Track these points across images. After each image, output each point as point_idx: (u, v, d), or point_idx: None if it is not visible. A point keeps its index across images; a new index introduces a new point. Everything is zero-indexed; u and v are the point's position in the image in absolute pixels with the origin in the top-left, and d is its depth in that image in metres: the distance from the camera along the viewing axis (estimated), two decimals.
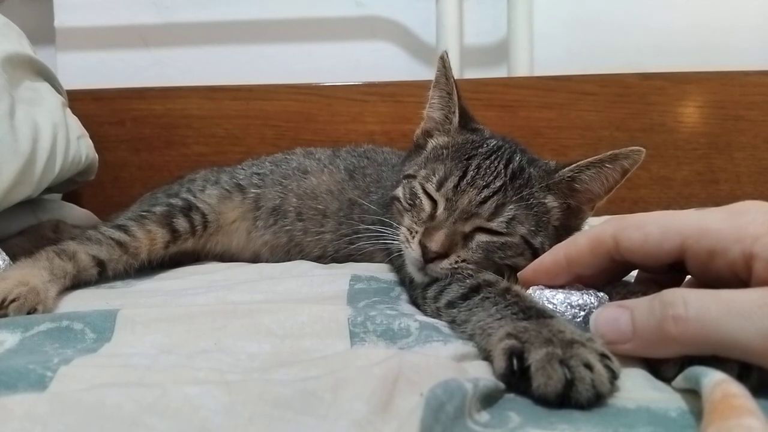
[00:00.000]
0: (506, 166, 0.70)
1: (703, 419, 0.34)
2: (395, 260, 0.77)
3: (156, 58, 1.69)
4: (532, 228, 0.68)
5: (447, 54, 0.77)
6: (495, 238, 0.67)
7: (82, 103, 1.51)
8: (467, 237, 0.67)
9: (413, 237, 0.67)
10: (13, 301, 0.61)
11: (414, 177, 0.73)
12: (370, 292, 0.72)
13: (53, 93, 1.02)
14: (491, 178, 0.68)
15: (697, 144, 1.54)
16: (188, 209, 0.93)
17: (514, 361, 0.43)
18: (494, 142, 0.74)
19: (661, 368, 0.46)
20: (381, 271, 0.82)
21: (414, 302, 0.68)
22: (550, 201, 0.70)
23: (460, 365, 0.47)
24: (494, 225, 0.66)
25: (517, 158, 0.72)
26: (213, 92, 1.53)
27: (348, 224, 0.94)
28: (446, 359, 0.47)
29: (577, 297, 0.54)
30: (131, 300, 0.70)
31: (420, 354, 0.48)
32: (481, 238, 0.67)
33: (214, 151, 1.52)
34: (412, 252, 0.67)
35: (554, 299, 0.54)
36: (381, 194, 0.93)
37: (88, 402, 0.35)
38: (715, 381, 0.36)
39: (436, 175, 0.69)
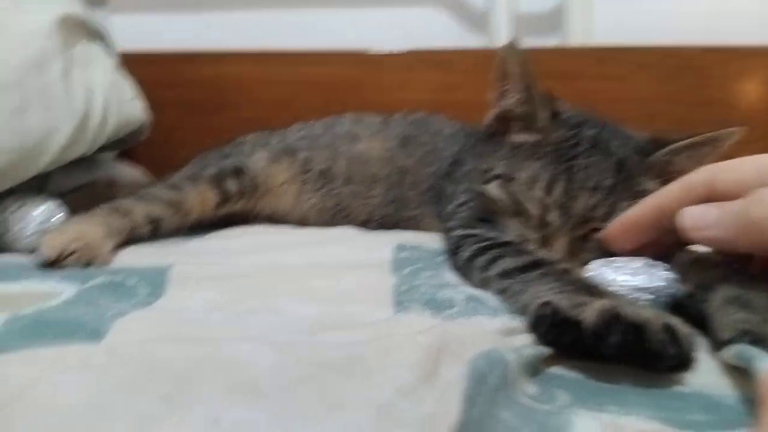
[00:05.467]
0: (609, 160, 0.67)
1: (755, 411, 0.33)
2: (446, 223, 0.77)
3: (208, 21, 1.69)
4: None
5: (516, 40, 0.71)
6: None
7: (135, 65, 1.53)
8: (585, 239, 0.66)
9: (528, 245, 0.65)
10: (71, 254, 0.63)
11: (511, 179, 0.68)
12: (414, 260, 0.72)
13: (106, 54, 1.04)
14: (600, 176, 0.65)
15: (757, 122, 1.46)
16: (238, 172, 0.94)
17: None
18: (591, 133, 0.70)
19: (721, 330, 0.44)
20: (427, 240, 0.82)
21: (457, 268, 0.67)
22: (650, 185, 0.68)
23: (506, 339, 0.46)
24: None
25: (616, 145, 0.69)
26: (263, 57, 1.54)
27: (398, 191, 0.94)
28: (491, 332, 0.46)
29: (642, 279, 0.52)
30: (183, 257, 0.72)
31: (464, 325, 0.47)
32: (598, 236, 0.64)
33: (263, 116, 1.52)
34: None
35: (618, 281, 0.52)
36: (438, 165, 0.92)
37: (140, 356, 0.36)
38: None
39: (542, 179, 0.66)
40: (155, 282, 0.57)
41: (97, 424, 0.31)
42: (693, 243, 0.52)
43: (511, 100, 0.72)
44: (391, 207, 0.93)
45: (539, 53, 1.50)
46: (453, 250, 0.69)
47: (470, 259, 0.64)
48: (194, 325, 0.47)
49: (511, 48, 0.70)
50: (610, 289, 0.52)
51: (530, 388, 0.39)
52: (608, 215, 0.64)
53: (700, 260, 0.54)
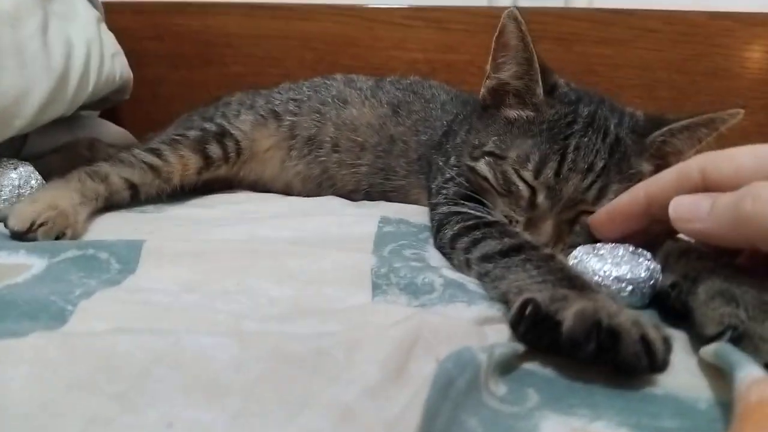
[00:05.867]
0: (604, 140, 0.64)
1: (733, 420, 0.32)
2: (433, 198, 0.75)
3: None
4: None
5: (515, 11, 0.66)
6: None
7: (120, 16, 1.49)
8: (572, 222, 0.64)
9: (514, 226, 0.64)
10: (42, 225, 0.61)
11: (502, 158, 0.66)
12: (398, 235, 0.70)
13: (88, 7, 0.99)
14: (592, 158, 0.63)
15: (760, 92, 1.43)
16: (222, 135, 0.91)
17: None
18: (587, 111, 0.67)
19: (706, 324, 0.44)
20: (412, 213, 0.80)
21: (440, 247, 0.66)
22: (644, 166, 0.67)
23: (481, 329, 0.45)
24: (599, 207, 0.62)
25: (612, 126, 0.66)
26: (252, 10, 1.48)
27: (386, 160, 0.91)
28: (467, 322, 0.45)
29: (624, 269, 0.51)
30: (160, 228, 0.70)
31: (440, 315, 0.46)
32: (586, 220, 0.63)
33: (253, 72, 1.49)
34: None
35: (600, 271, 0.51)
36: (429, 134, 0.90)
37: (98, 349, 0.34)
38: (751, 378, 0.34)
39: (532, 161, 0.64)
40: (127, 257, 0.55)
41: (46, 425, 0.30)
42: (683, 233, 0.51)
43: (507, 73, 0.69)
44: (379, 176, 0.91)
45: (539, 14, 1.46)
46: (438, 228, 0.68)
47: (453, 238, 0.63)
48: (161, 310, 0.45)
49: (511, 17, 0.66)
50: (591, 278, 0.51)
51: (500, 388, 0.38)
52: (599, 198, 0.63)
53: (687, 250, 0.53)
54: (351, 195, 0.92)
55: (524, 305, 0.42)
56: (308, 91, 0.99)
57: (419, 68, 1.50)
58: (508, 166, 0.65)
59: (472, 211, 0.65)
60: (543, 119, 0.66)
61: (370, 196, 0.92)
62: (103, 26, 1.04)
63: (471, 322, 0.46)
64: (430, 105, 0.94)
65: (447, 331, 0.42)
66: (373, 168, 0.91)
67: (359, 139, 0.92)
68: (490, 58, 0.71)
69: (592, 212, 0.63)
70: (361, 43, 1.49)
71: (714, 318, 0.44)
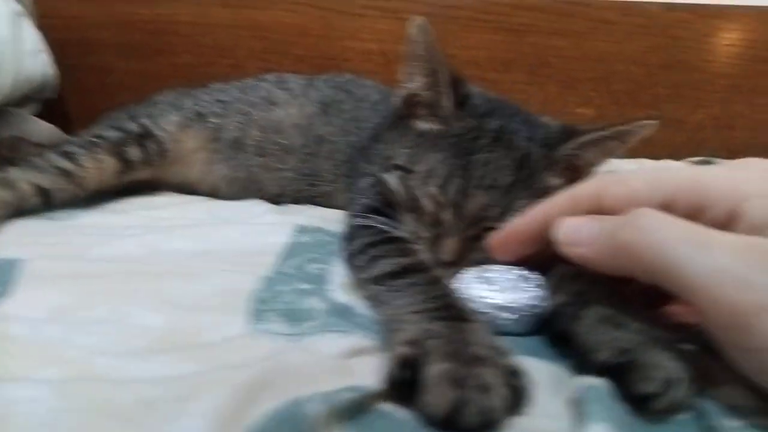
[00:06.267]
0: (510, 156, 0.63)
1: None
2: (350, 207, 0.73)
3: None
4: None
5: (425, 21, 0.63)
6: None
7: (67, 3, 1.45)
8: (477, 238, 0.62)
9: (419, 244, 0.62)
10: None
11: (409, 172, 0.64)
12: (310, 246, 0.69)
13: (4, 2, 0.95)
14: (498, 174, 0.61)
15: (717, 86, 1.41)
16: (143, 137, 0.88)
17: (406, 372, 0.40)
18: (495, 125, 0.65)
19: (598, 349, 0.42)
20: (332, 220, 0.78)
21: (345, 261, 0.64)
22: (554, 181, 0.65)
23: (348, 364, 0.44)
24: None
25: (520, 140, 0.64)
26: None
27: (312, 163, 0.89)
28: (332, 358, 0.44)
29: (510, 296, 0.50)
30: (59, 241, 0.68)
31: (306, 351, 0.44)
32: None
33: (203, 62, 1.45)
34: None
35: (483, 297, 0.50)
36: (357, 137, 0.87)
37: None
38: None
39: (436, 177, 0.62)
40: (3, 280, 0.53)
41: None
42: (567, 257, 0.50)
43: (416, 84, 0.67)
44: (306, 181, 0.89)
45: (493, 5, 1.43)
46: (347, 240, 0.66)
47: (352, 256, 0.61)
48: (16, 347, 0.43)
49: (418, 28, 0.64)
50: (474, 305, 0.49)
51: None
52: (504, 215, 0.61)
53: (580, 274, 0.52)
54: (278, 199, 0.90)
55: (401, 369, 0.40)
56: (237, 93, 0.97)
57: (374, 60, 1.47)
58: (414, 180, 0.63)
59: (378, 226, 0.63)
60: (451, 133, 0.64)
61: (298, 200, 0.89)
62: (26, 22, 1.00)
63: (338, 356, 0.44)
64: (362, 104, 0.91)
65: (306, 371, 0.41)
66: (299, 173, 0.89)
67: (285, 142, 0.90)
68: (404, 67, 0.69)
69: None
70: (314, 33, 1.45)
71: (605, 341, 0.43)
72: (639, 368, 0.40)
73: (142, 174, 0.88)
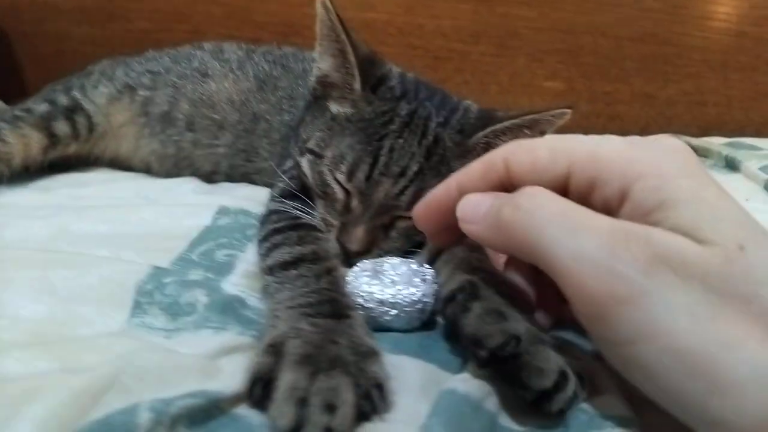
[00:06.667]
0: (421, 142, 0.60)
1: None
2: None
3: None
4: None
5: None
6: None
7: None
8: (387, 226, 0.61)
9: (329, 231, 0.61)
10: None
11: (320, 157, 0.62)
12: (227, 230, 0.67)
13: None
14: (406, 161, 0.59)
15: (688, 60, 1.38)
16: (72, 110, 0.85)
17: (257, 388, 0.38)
18: (407, 110, 0.62)
19: (488, 336, 0.41)
20: (262, 201, 0.76)
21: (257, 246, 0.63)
22: None
23: (215, 364, 0.43)
24: None
25: (432, 126, 0.62)
26: None
27: (247, 140, 0.86)
28: (196, 358, 0.42)
29: (392, 291, 0.48)
30: None
31: (168, 350, 0.43)
32: (401, 224, 0.61)
33: (159, 28, 1.41)
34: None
35: (366, 292, 0.48)
36: (293, 115, 0.84)
37: None
38: None
39: (345, 163, 0.59)
40: None
41: None
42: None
43: (325, 64, 0.64)
44: (240, 157, 0.86)
45: None
46: (260, 224, 0.64)
47: (260, 241, 0.60)
48: None
49: (321, 4, 0.60)
50: (359, 300, 0.48)
51: None
52: (412, 203, 0.59)
53: (470, 266, 0.50)
54: (211, 177, 0.88)
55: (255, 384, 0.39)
56: (168, 62, 0.93)
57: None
58: (324, 166, 0.61)
59: (290, 211, 0.62)
60: (360, 117, 0.61)
61: (232, 178, 0.87)
62: None
63: (207, 355, 0.43)
64: (299, 81, 0.88)
65: (161, 372, 0.40)
66: (233, 149, 0.86)
67: (217, 117, 0.87)
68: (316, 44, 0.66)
69: (409, 218, 0.60)
70: None
71: (495, 330, 0.41)
72: (528, 362, 0.39)
73: (70, 149, 0.86)
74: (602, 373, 0.44)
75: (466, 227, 0.42)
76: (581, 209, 0.36)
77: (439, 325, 0.51)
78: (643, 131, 1.34)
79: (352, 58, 0.61)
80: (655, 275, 0.32)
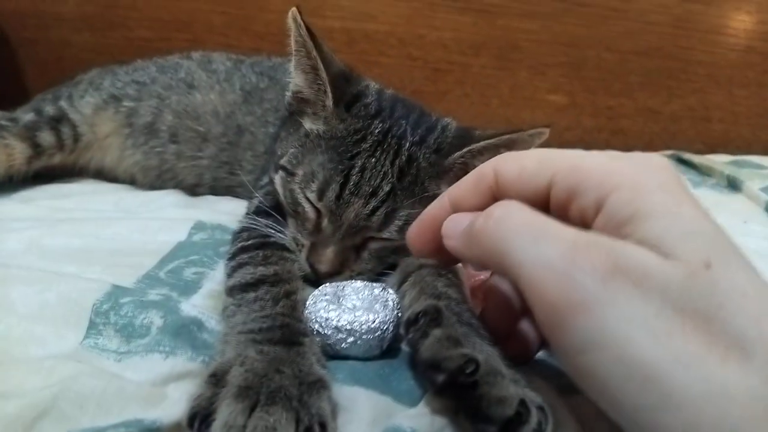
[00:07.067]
0: (393, 162, 0.59)
1: None
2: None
3: None
4: None
5: (298, 11, 0.59)
6: (388, 244, 0.60)
7: None
8: (359, 248, 0.60)
9: (300, 250, 0.60)
10: None
11: (292, 174, 0.61)
12: (200, 246, 0.66)
13: None
14: (378, 181, 0.58)
15: (694, 75, 1.35)
16: (58, 120, 0.85)
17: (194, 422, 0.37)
18: (380, 128, 0.60)
19: (448, 359, 0.40)
20: (239, 216, 0.75)
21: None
22: (443, 188, 0.60)
23: (160, 391, 0.41)
24: (385, 234, 0.59)
25: (406, 145, 0.60)
26: None
27: (231, 152, 0.85)
28: (139, 385, 0.41)
29: (349, 318, 0.46)
30: None
31: (111, 375, 0.42)
32: (374, 245, 0.60)
33: (159, 37, 1.41)
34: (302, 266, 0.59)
35: (322, 318, 0.47)
36: (276, 128, 0.83)
37: None
38: None
39: (316, 181, 0.58)
40: None
41: None
42: None
43: (298, 80, 0.63)
44: (224, 170, 0.85)
45: None
46: (231, 241, 0.63)
47: (228, 259, 0.58)
48: None
49: (291, 19, 0.59)
50: (316, 326, 0.46)
51: None
52: (385, 224, 0.58)
53: (434, 292, 0.49)
54: (194, 189, 0.87)
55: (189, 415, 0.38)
56: (154, 73, 0.92)
57: (336, 38, 1.42)
58: (295, 184, 0.60)
59: (261, 229, 0.60)
60: (332, 135, 0.60)
61: (215, 191, 0.86)
62: None
63: (152, 381, 0.42)
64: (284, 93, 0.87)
65: (102, 399, 0.39)
66: (216, 161, 0.85)
67: (201, 129, 0.86)
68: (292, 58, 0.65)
69: (381, 239, 0.59)
70: (274, 9, 1.40)
71: (453, 354, 0.40)
72: (488, 392, 0.38)
73: (55, 159, 0.85)
74: (563, 408, 0.42)
75: (447, 243, 0.42)
76: (548, 220, 0.35)
77: (403, 352, 0.50)
78: (647, 146, 1.32)
79: (323, 74, 0.59)
80: (613, 285, 0.31)
